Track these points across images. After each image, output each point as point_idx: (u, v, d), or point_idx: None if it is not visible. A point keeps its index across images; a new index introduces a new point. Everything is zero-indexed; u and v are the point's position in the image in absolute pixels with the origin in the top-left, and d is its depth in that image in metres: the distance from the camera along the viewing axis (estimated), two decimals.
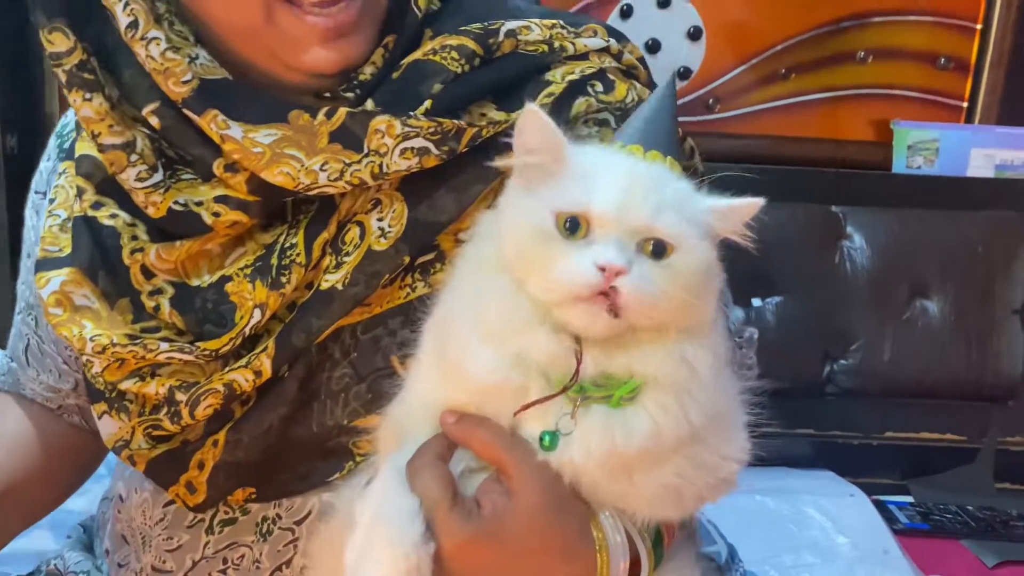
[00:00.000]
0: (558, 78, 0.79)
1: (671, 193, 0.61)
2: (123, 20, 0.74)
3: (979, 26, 2.10)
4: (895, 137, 2.07)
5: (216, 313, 0.78)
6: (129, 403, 0.81)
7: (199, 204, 0.76)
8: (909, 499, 1.94)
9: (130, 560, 0.87)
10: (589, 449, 0.61)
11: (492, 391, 0.63)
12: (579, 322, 0.60)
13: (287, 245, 0.76)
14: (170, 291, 0.79)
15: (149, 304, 0.79)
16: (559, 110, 0.78)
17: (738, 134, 2.10)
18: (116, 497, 0.91)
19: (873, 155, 2.09)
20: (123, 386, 0.79)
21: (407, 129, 0.72)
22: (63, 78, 0.76)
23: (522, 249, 0.61)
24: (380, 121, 0.72)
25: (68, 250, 0.81)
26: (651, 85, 0.85)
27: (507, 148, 0.65)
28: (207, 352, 0.76)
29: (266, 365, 0.75)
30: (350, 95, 0.77)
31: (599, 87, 0.80)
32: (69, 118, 0.91)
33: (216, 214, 0.76)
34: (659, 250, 0.60)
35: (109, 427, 0.83)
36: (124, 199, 0.80)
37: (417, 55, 0.77)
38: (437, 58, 0.76)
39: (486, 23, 0.78)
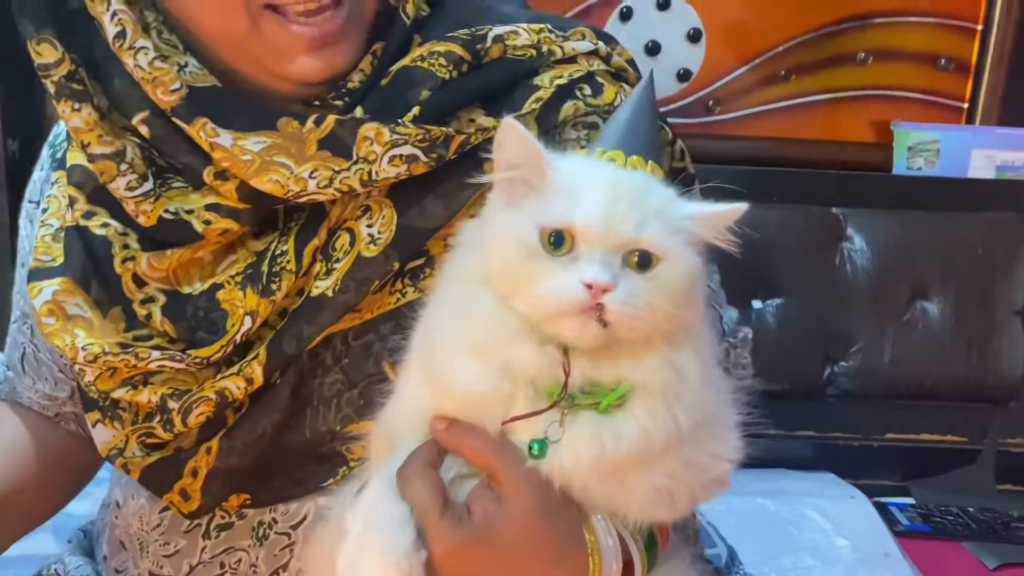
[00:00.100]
0: (546, 82, 0.79)
1: (655, 203, 0.61)
2: (111, 30, 0.74)
3: (980, 27, 2.09)
4: (895, 138, 2.07)
5: (208, 321, 0.78)
6: (122, 411, 0.82)
7: (190, 212, 0.76)
8: (910, 501, 1.94)
9: (128, 566, 0.87)
10: (578, 456, 0.62)
11: (479, 401, 0.63)
12: (569, 334, 0.60)
13: (278, 252, 0.77)
14: (162, 299, 0.80)
15: (141, 312, 0.79)
16: (547, 114, 0.78)
17: (738, 136, 2.09)
18: (113, 503, 0.91)
19: (873, 156, 2.09)
20: (116, 394, 0.80)
21: (396, 136, 0.72)
22: (52, 89, 0.76)
23: (507, 265, 0.61)
24: (369, 128, 0.73)
25: (60, 260, 0.81)
26: None
27: None
28: (198, 360, 0.76)
29: (257, 372, 0.75)
30: (339, 103, 0.77)
31: (587, 90, 0.80)
32: (61, 127, 0.92)
33: (207, 222, 0.76)
34: (644, 262, 0.60)
35: (103, 435, 0.83)
36: (116, 208, 0.81)
37: (405, 62, 0.77)
38: (425, 64, 0.76)
39: (473, 29, 0.78)
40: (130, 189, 0.77)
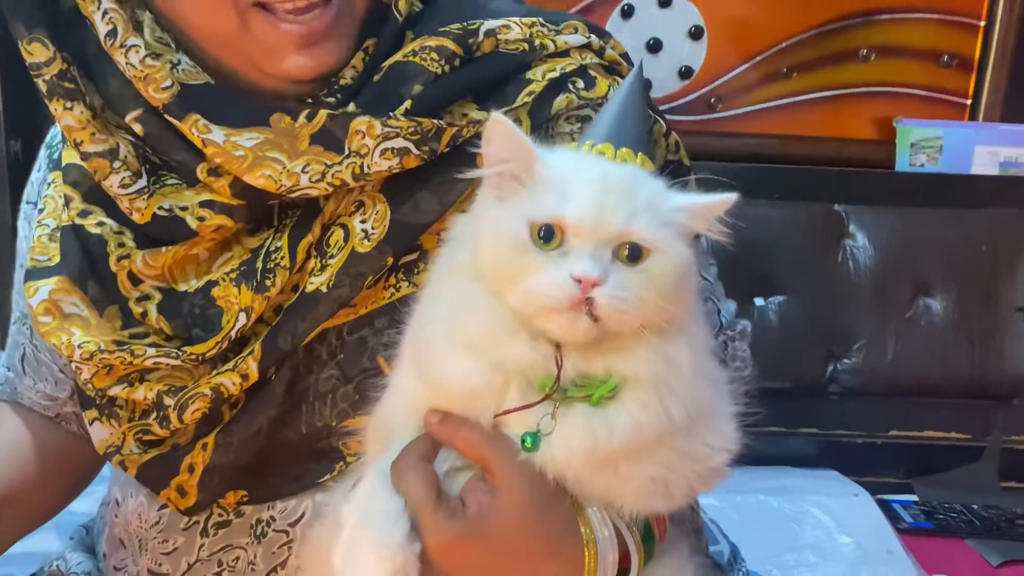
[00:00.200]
0: (538, 76, 0.79)
1: (644, 195, 0.61)
2: (102, 29, 0.75)
3: (983, 23, 2.09)
4: (898, 135, 2.06)
5: (203, 318, 0.79)
6: (119, 409, 0.82)
7: (184, 209, 0.77)
8: (913, 498, 1.94)
9: (127, 563, 0.88)
10: (570, 448, 0.62)
11: (471, 395, 0.63)
12: (559, 330, 0.60)
13: (272, 249, 0.77)
14: (157, 297, 0.80)
15: (137, 310, 0.80)
16: (540, 108, 0.78)
17: (740, 133, 2.09)
18: (113, 501, 0.92)
19: (876, 153, 2.08)
20: (112, 392, 0.80)
21: (387, 129, 0.73)
22: (44, 88, 0.77)
23: (498, 260, 0.61)
24: (360, 122, 0.73)
25: (57, 259, 0.82)
26: None
27: None
28: (194, 356, 0.77)
29: (252, 368, 0.76)
30: (331, 100, 0.77)
31: (580, 84, 0.80)
32: (58, 128, 0.92)
33: (201, 219, 0.76)
34: (635, 255, 0.60)
35: (100, 433, 0.83)
36: (111, 207, 0.81)
37: (397, 57, 0.77)
38: (417, 59, 0.76)
39: (465, 23, 0.78)
40: (123, 187, 0.77)
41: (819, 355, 1.97)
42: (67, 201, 0.83)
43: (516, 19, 0.80)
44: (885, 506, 1.84)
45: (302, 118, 0.74)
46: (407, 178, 0.75)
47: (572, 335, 0.60)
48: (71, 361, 0.80)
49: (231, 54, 0.76)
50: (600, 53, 0.83)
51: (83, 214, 0.82)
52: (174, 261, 0.79)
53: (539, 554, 0.65)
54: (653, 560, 0.70)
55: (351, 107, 0.76)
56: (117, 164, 0.77)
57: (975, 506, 1.89)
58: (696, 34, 2.06)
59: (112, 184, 0.77)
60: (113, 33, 0.74)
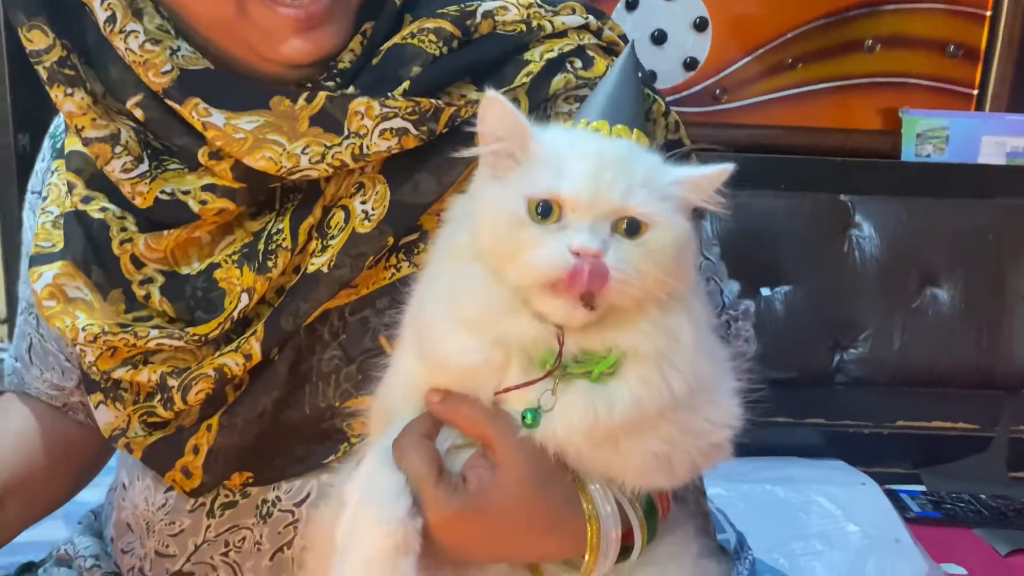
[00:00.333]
0: (536, 57, 0.79)
1: (641, 170, 0.62)
2: (101, 15, 0.75)
3: (989, 13, 2.08)
4: (904, 125, 2.05)
5: (206, 300, 0.79)
6: (124, 392, 0.83)
7: (186, 193, 0.77)
8: (921, 488, 1.93)
9: (134, 546, 0.88)
10: (571, 424, 0.62)
11: (471, 372, 0.63)
12: (557, 316, 0.61)
13: (274, 231, 0.78)
14: (160, 280, 0.81)
15: (140, 293, 0.80)
16: (538, 88, 0.78)
17: (745, 124, 2.09)
18: (120, 485, 0.92)
19: (882, 144, 2.08)
20: (116, 374, 0.81)
21: (386, 110, 0.73)
22: (44, 75, 0.77)
23: (496, 237, 0.62)
24: (359, 103, 0.73)
25: (60, 245, 0.82)
26: None
27: None
28: (197, 337, 0.77)
29: (255, 348, 0.76)
30: (330, 83, 0.77)
31: (578, 63, 0.80)
32: (61, 118, 0.92)
33: (203, 202, 0.77)
34: (633, 228, 0.60)
35: (105, 416, 0.84)
36: (114, 192, 0.82)
37: (395, 40, 0.77)
38: (415, 41, 0.77)
39: (463, 4, 0.79)
40: (125, 171, 0.78)
41: (825, 345, 1.97)
42: (70, 188, 0.84)
43: (514, 0, 0.81)
44: (892, 496, 1.84)
45: (301, 100, 0.74)
46: (407, 159, 0.76)
47: (570, 321, 0.61)
48: (75, 344, 0.81)
49: (230, 40, 0.77)
50: (598, 34, 0.83)
51: (86, 200, 0.83)
52: (176, 244, 0.80)
53: (540, 529, 0.65)
54: (657, 538, 0.70)
55: (350, 90, 0.76)
56: (119, 149, 0.78)
57: (983, 496, 1.89)
58: (701, 25, 2.06)
59: (114, 169, 0.78)
60: (112, 19, 0.75)
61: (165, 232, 0.80)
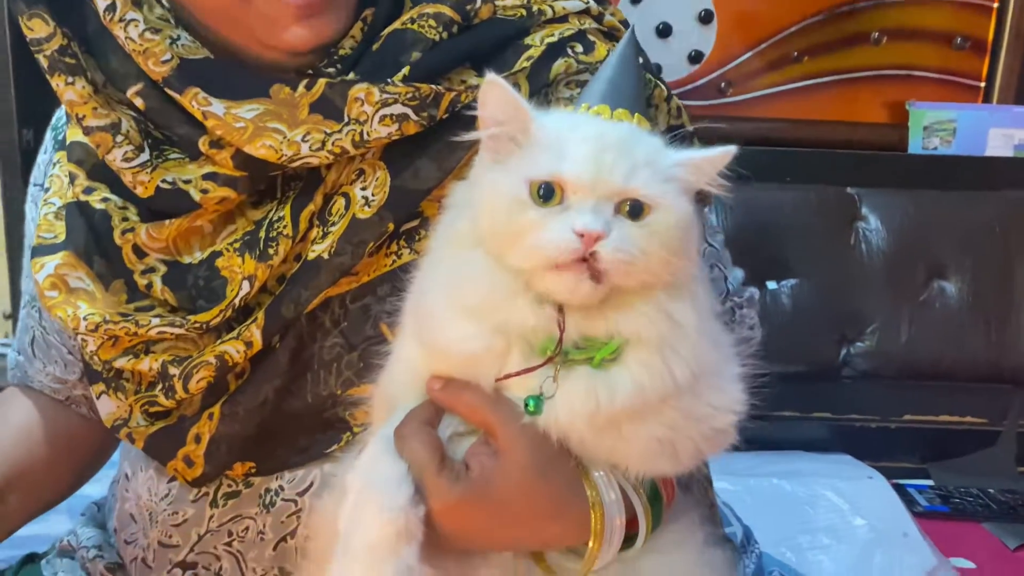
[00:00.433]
0: (537, 41, 0.79)
1: (643, 152, 0.61)
2: (101, 3, 0.76)
3: (996, 4, 2.08)
4: (911, 118, 2.05)
5: (208, 289, 0.79)
6: (126, 382, 0.83)
7: (187, 182, 0.77)
8: (929, 482, 1.92)
9: (137, 537, 0.88)
10: (573, 410, 0.62)
11: (473, 359, 0.63)
12: (561, 290, 0.60)
13: (275, 219, 0.78)
14: (162, 269, 0.81)
15: (142, 282, 0.80)
16: (539, 72, 0.78)
17: (751, 117, 2.09)
18: (123, 476, 0.92)
19: (889, 137, 2.07)
20: (118, 364, 0.81)
21: (385, 96, 0.73)
22: (44, 63, 0.78)
23: (498, 222, 0.61)
24: (359, 89, 0.73)
25: (62, 236, 0.83)
26: None
27: None
28: (198, 325, 0.77)
29: (256, 336, 0.76)
30: (331, 70, 0.77)
31: (579, 48, 0.80)
32: (63, 110, 0.93)
33: (204, 191, 0.77)
34: (636, 211, 0.60)
35: (107, 406, 0.84)
36: (115, 183, 0.82)
37: (395, 25, 0.77)
38: (415, 27, 0.76)
39: None
40: (127, 160, 0.78)
41: (832, 339, 1.96)
42: (72, 179, 0.84)
43: None
44: (900, 490, 1.83)
45: (301, 87, 0.74)
46: (407, 145, 0.76)
47: (575, 295, 0.60)
48: (76, 333, 0.81)
49: (231, 27, 0.77)
50: (599, 19, 0.83)
51: (87, 191, 0.83)
52: (178, 233, 0.80)
53: (543, 515, 0.65)
54: (662, 526, 0.70)
55: (351, 76, 0.76)
56: (120, 138, 0.78)
57: (992, 490, 1.88)
58: (706, 18, 2.06)
59: (115, 158, 0.78)
60: (112, 7, 0.75)
61: (167, 221, 0.79)
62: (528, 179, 0.60)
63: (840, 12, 2.07)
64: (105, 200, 0.82)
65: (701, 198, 0.67)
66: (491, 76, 0.62)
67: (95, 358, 0.82)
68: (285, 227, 0.77)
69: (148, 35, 0.75)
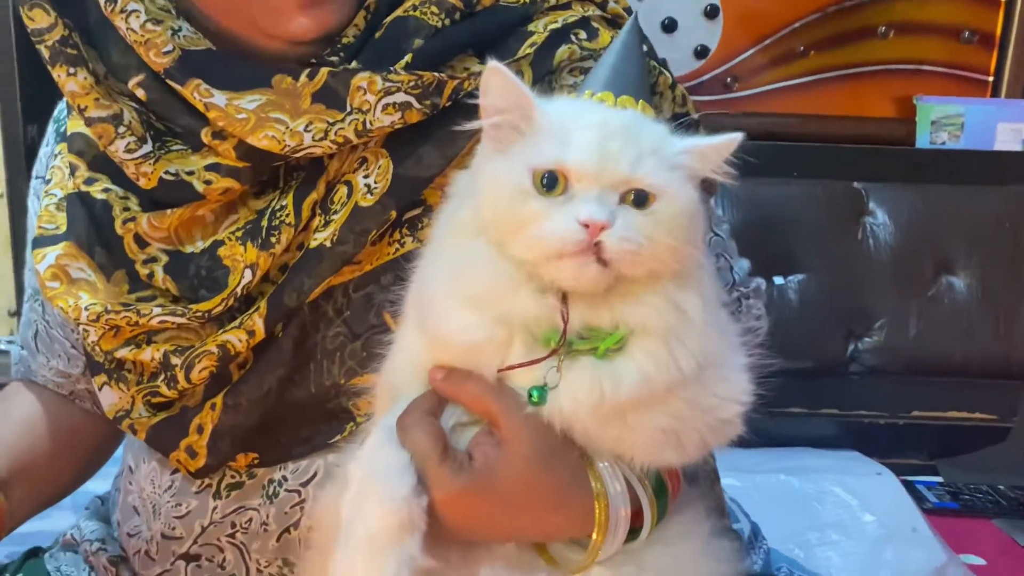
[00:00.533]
0: (540, 28, 0.78)
1: (648, 139, 0.60)
2: None
3: None
4: (918, 113, 2.04)
5: (210, 279, 0.79)
6: (128, 372, 0.82)
7: (190, 174, 0.77)
8: (938, 479, 1.91)
9: (141, 529, 0.88)
10: (577, 400, 0.61)
11: (475, 349, 0.62)
12: (566, 276, 0.59)
13: (277, 207, 0.77)
14: (164, 259, 0.81)
15: (143, 272, 0.80)
16: (542, 59, 0.77)
17: (757, 113, 2.08)
18: (126, 469, 0.92)
19: (896, 132, 2.06)
20: (119, 354, 0.80)
21: (388, 84, 0.72)
22: (46, 54, 0.78)
23: (501, 211, 0.61)
24: (361, 78, 0.73)
25: (64, 227, 0.82)
26: None
27: None
28: (200, 314, 0.77)
29: (258, 325, 0.76)
30: (334, 59, 0.77)
31: (583, 35, 0.80)
32: (64, 103, 0.92)
33: (207, 182, 0.77)
34: (641, 199, 0.59)
35: (109, 398, 0.84)
36: (116, 173, 0.82)
37: (398, 12, 0.77)
38: (417, 14, 0.76)
39: None
40: (129, 151, 0.78)
41: (839, 334, 1.95)
42: (73, 170, 0.84)
43: None
44: (909, 487, 1.81)
45: (303, 77, 0.74)
46: (409, 133, 0.75)
47: (582, 282, 0.59)
48: (78, 323, 0.81)
49: (233, 18, 0.77)
50: (603, 6, 0.82)
51: (89, 181, 0.83)
52: (180, 223, 0.80)
53: (546, 506, 0.64)
54: (667, 518, 0.69)
55: (353, 65, 0.76)
56: (122, 129, 0.77)
57: (1001, 486, 1.87)
58: (711, 13, 2.05)
59: (118, 149, 0.78)
60: None
61: (168, 211, 0.79)
62: (531, 168, 0.59)
63: (847, 6, 2.06)
64: (106, 191, 0.82)
65: (707, 187, 0.67)
66: (493, 63, 0.61)
67: (97, 349, 0.82)
68: (288, 216, 0.76)
69: (149, 26, 0.75)
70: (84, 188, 0.82)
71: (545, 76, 0.78)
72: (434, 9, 0.76)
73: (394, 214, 0.75)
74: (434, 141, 0.75)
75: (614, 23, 0.82)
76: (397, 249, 0.77)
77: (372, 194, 0.75)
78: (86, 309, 0.78)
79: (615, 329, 0.61)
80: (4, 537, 0.88)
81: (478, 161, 0.66)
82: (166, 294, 0.80)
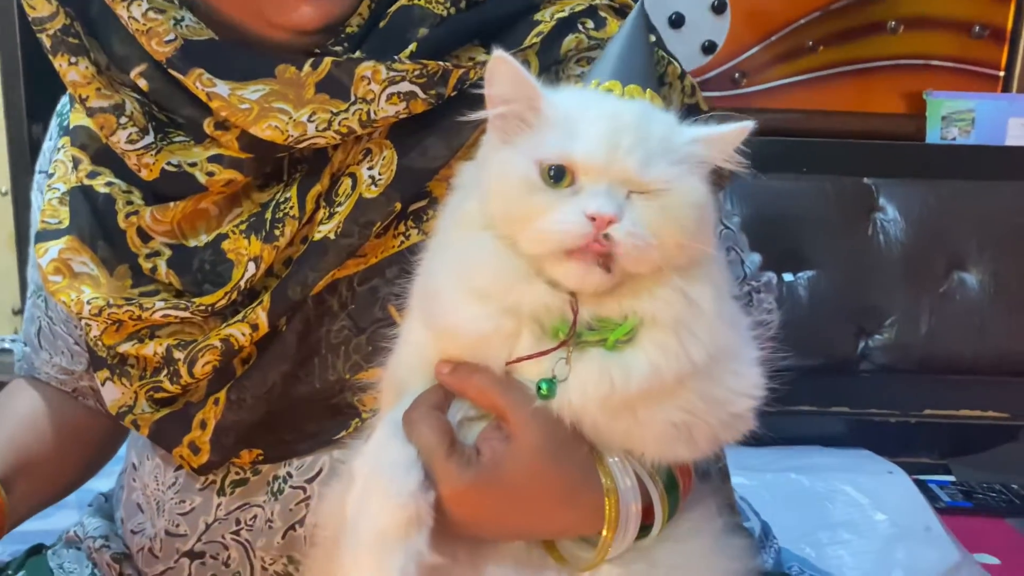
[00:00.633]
0: (547, 17, 0.77)
1: (657, 132, 0.59)
2: None
3: None
4: (928, 108, 2.02)
5: (214, 273, 0.78)
6: (130, 368, 0.82)
7: (193, 165, 0.77)
8: (950, 478, 1.90)
9: (145, 526, 0.87)
10: (586, 393, 0.60)
11: (482, 341, 0.61)
12: (570, 280, 0.58)
13: (281, 200, 0.77)
14: (167, 253, 0.80)
15: (146, 266, 0.80)
16: (549, 48, 0.76)
17: (766, 108, 2.06)
18: (130, 466, 0.92)
19: (906, 128, 2.04)
20: (122, 349, 0.80)
21: (392, 74, 0.72)
22: (47, 43, 0.77)
23: (508, 204, 0.60)
24: (366, 67, 0.72)
25: (67, 221, 0.82)
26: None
27: None
28: (203, 308, 0.76)
29: (262, 318, 0.75)
30: (338, 48, 0.76)
31: (590, 24, 0.79)
32: (67, 97, 0.92)
33: (210, 173, 0.76)
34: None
35: (112, 393, 0.83)
36: (119, 167, 0.81)
37: (402, 1, 0.76)
38: (422, 2, 0.75)
39: None
40: (131, 142, 0.77)
41: (850, 331, 1.93)
42: (75, 163, 0.83)
43: None
44: (921, 486, 1.80)
45: (307, 67, 0.73)
46: (414, 123, 0.74)
47: (585, 285, 0.58)
48: (80, 318, 0.80)
49: (236, 7, 0.76)
50: None
51: (92, 175, 0.82)
52: (183, 216, 0.79)
53: (555, 501, 0.63)
54: (678, 514, 0.68)
55: (357, 54, 0.75)
56: (124, 120, 0.77)
57: (1015, 485, 1.85)
58: (719, 8, 2.04)
59: (119, 140, 0.77)
60: None
61: (171, 204, 0.79)
62: (538, 160, 0.58)
63: (855, 1, 2.04)
64: (109, 184, 0.82)
65: (718, 179, 0.65)
66: (498, 52, 0.60)
67: (99, 343, 0.81)
68: (292, 208, 0.76)
69: (151, 15, 0.74)
70: (87, 182, 0.82)
71: (552, 66, 0.77)
72: None
73: (399, 206, 0.74)
74: (439, 132, 0.74)
75: (621, 12, 0.81)
76: (402, 242, 0.76)
77: (377, 186, 0.74)
78: (88, 303, 0.77)
79: (625, 319, 0.60)
80: (5, 534, 0.87)
81: (484, 152, 0.65)
82: (169, 288, 0.80)
